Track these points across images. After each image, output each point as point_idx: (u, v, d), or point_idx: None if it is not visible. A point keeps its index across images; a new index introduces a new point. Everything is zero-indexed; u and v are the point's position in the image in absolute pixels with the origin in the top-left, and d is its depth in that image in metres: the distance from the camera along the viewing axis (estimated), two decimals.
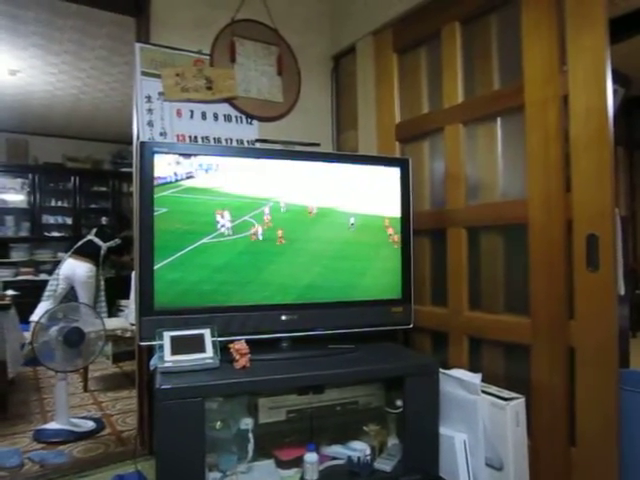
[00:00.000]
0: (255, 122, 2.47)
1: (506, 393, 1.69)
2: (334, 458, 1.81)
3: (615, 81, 1.56)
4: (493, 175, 1.97)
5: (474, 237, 2.02)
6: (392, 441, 1.88)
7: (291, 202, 1.95)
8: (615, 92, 1.58)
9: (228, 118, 2.39)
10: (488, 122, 1.96)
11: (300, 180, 1.97)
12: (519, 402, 1.65)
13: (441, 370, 1.82)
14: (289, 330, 1.90)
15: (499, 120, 1.93)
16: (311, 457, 1.69)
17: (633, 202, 4.61)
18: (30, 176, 6.12)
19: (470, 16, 2.01)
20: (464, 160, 2.04)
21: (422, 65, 2.28)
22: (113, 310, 4.94)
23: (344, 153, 2.52)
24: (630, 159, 4.67)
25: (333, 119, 2.74)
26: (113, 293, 4.90)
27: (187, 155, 1.83)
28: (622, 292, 1.59)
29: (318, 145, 2.15)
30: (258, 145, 2.40)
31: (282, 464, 1.73)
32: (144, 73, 2.21)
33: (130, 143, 2.34)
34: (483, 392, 1.69)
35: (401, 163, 2.10)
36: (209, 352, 1.67)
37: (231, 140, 2.39)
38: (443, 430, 1.78)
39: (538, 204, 1.72)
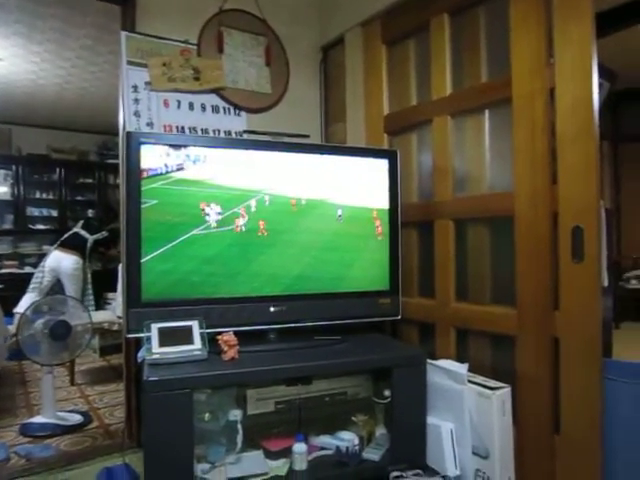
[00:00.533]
0: (243, 113, 2.45)
1: (492, 383, 1.71)
2: (323, 448, 1.82)
3: (601, 75, 1.57)
4: (480, 167, 1.98)
5: (461, 229, 2.03)
6: (380, 431, 1.90)
7: (279, 193, 1.94)
8: (601, 86, 1.60)
9: (216, 109, 2.37)
10: (476, 114, 1.97)
11: (288, 171, 1.96)
12: (505, 391, 1.68)
13: (428, 361, 1.84)
14: (278, 322, 1.90)
15: (487, 112, 1.94)
16: (300, 447, 1.70)
17: (618, 195, 4.67)
18: (14, 167, 6.00)
19: (459, 8, 2.01)
20: (452, 152, 2.05)
21: (411, 57, 2.27)
22: (100, 303, 4.91)
23: (332, 145, 2.51)
24: (615, 152, 4.73)
25: (321, 111, 2.73)
26: (100, 286, 4.86)
27: (175, 146, 1.81)
28: (606, 284, 1.62)
29: (307, 137, 2.14)
30: (246, 136, 2.38)
31: (271, 455, 1.74)
32: (130, 62, 2.18)
33: (116, 134, 2.31)
34: (470, 382, 1.71)
35: (389, 155, 2.10)
36: (197, 344, 1.67)
37: (219, 131, 2.37)
38: (430, 420, 1.80)
39: (525, 197, 1.74)
